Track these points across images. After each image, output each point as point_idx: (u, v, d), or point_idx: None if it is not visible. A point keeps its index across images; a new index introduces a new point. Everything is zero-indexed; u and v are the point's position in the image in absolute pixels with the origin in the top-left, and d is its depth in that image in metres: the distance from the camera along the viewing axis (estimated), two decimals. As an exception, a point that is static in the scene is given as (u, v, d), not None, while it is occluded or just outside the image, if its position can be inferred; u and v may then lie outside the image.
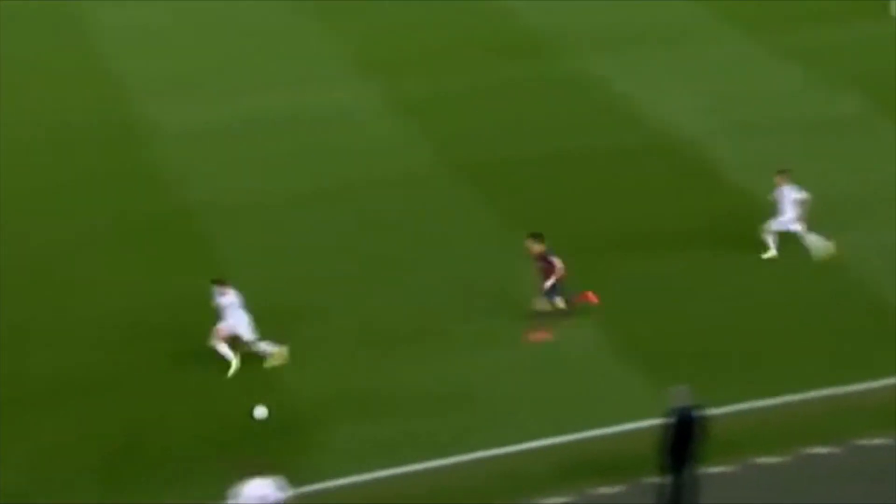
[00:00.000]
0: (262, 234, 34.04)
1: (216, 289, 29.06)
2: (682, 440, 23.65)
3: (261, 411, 26.15)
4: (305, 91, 41.55)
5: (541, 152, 37.27)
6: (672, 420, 23.74)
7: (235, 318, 28.78)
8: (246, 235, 34.00)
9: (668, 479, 23.89)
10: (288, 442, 26.25)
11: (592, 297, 29.63)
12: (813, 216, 31.38)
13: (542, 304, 29.31)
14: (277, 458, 23.92)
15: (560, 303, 29.32)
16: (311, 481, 24.79)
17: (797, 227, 31.38)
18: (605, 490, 24.75)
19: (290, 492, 23.13)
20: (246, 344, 28.83)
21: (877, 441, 25.56)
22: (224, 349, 28.72)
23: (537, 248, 29.17)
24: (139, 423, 27.26)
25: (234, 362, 28.64)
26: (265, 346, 28.87)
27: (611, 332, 29.31)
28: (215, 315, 28.77)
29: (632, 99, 40.18)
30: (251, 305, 28.83)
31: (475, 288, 30.90)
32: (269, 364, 28.75)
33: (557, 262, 29.16)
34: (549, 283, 29.08)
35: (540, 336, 29.03)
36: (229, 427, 26.84)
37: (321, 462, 25.72)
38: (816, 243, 31.37)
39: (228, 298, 28.84)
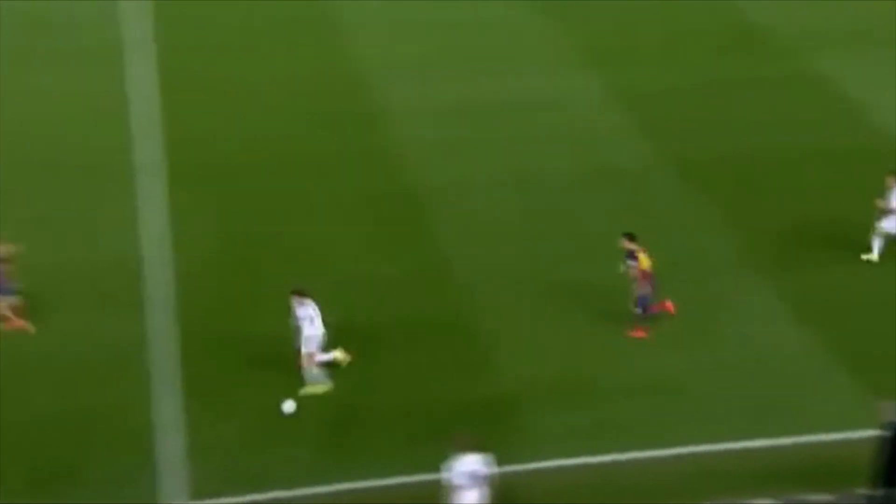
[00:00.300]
0: (475, 216, 34.09)
1: (295, 299, 27.09)
2: (897, 455, 23.28)
3: (289, 405, 26.20)
4: (529, 79, 41.52)
5: (756, 151, 36.76)
6: (888, 433, 23.31)
7: (311, 331, 27.06)
8: (460, 217, 34.06)
9: (879, 493, 23.51)
10: (494, 422, 26.36)
11: (670, 305, 29.34)
12: None
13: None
14: (484, 436, 23.96)
15: (639, 309, 29.01)
16: (514, 462, 24.88)
17: None
18: (811, 497, 24.43)
19: (497, 469, 23.33)
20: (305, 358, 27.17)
21: None
22: (325, 360, 27.54)
23: (628, 245, 29.09)
24: (354, 397, 27.47)
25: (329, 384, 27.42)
26: (331, 356, 27.73)
27: (822, 336, 28.92)
28: (293, 330, 27.42)
29: (852, 100, 39.43)
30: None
31: (686, 281, 30.63)
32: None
33: (642, 262, 28.85)
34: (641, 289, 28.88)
35: (646, 327, 28.81)
36: (439, 405, 27.04)
37: (525, 444, 25.81)
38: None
39: (307, 311, 27.10)
